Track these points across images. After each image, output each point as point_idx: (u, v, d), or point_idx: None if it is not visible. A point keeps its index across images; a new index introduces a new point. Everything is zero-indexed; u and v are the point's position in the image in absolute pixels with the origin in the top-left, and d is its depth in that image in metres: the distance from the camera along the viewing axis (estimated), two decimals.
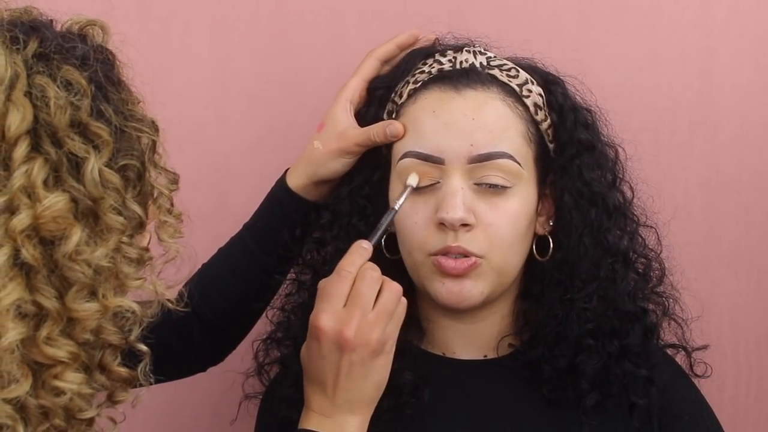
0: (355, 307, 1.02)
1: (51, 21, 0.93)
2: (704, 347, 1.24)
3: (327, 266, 1.20)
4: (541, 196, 1.17)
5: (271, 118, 1.50)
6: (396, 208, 1.12)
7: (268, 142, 1.49)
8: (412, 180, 1.12)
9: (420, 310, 1.20)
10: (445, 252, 1.11)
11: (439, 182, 1.12)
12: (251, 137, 1.50)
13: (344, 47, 1.47)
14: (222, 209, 1.47)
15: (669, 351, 1.23)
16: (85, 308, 0.85)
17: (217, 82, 1.49)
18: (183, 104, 1.48)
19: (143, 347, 0.94)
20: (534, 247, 1.17)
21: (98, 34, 0.94)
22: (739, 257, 1.53)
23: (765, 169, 1.51)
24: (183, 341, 1.23)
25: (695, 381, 1.22)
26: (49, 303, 0.83)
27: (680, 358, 1.24)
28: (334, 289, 1.03)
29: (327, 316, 1.01)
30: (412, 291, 1.17)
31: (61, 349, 0.84)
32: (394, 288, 1.05)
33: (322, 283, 1.06)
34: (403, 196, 1.12)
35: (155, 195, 0.93)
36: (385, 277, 1.05)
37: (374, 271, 1.04)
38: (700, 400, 1.20)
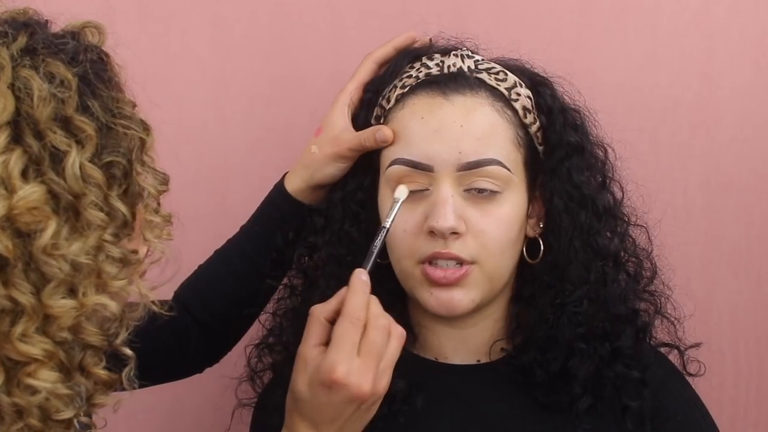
0: (371, 359, 0.99)
1: (47, 21, 0.92)
2: (697, 345, 1.23)
3: (319, 271, 1.20)
4: (531, 198, 1.16)
5: (271, 118, 1.50)
6: (387, 226, 1.09)
7: (268, 142, 1.49)
8: (401, 194, 1.11)
9: (412, 315, 1.20)
10: (435, 257, 1.10)
11: (428, 189, 1.11)
12: (251, 137, 1.50)
13: (344, 47, 1.47)
14: (222, 209, 1.47)
15: (662, 350, 1.22)
16: (61, 305, 0.83)
17: (217, 82, 1.49)
18: (183, 104, 1.48)
19: (128, 351, 0.92)
20: (524, 249, 1.17)
21: (93, 35, 0.93)
22: (739, 257, 1.53)
23: (765, 169, 1.51)
24: (181, 342, 1.23)
25: (692, 381, 1.22)
26: (25, 298, 0.82)
27: (675, 358, 1.23)
28: (346, 338, 0.99)
29: (344, 368, 0.97)
30: (403, 296, 1.17)
31: (36, 347, 0.83)
32: (400, 334, 1.02)
33: (317, 312, 1.03)
34: (393, 212, 1.10)
35: (145, 196, 0.91)
36: (390, 319, 1.02)
37: (384, 318, 1.01)
38: (693, 399, 1.19)
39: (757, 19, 1.49)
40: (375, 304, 1.02)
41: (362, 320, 1.00)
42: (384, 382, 1.00)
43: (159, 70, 1.46)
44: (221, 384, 1.32)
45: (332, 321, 1.02)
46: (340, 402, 0.99)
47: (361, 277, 1.03)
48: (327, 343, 1.01)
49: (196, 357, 1.28)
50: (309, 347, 1.01)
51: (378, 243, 1.08)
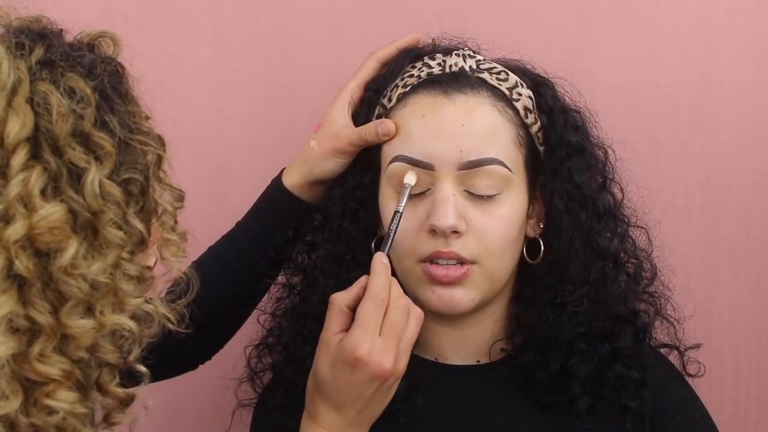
0: (393, 338, 1.02)
1: (61, 30, 0.90)
2: (697, 346, 1.23)
3: (317, 270, 1.20)
4: (531, 198, 1.17)
5: (271, 118, 1.50)
6: (400, 210, 1.11)
7: (268, 142, 1.49)
8: (410, 179, 1.11)
9: None
10: (436, 256, 1.11)
11: (429, 188, 1.12)
12: (251, 137, 1.50)
13: (344, 47, 1.47)
14: (222, 210, 1.47)
15: (662, 351, 1.23)
16: (80, 325, 0.82)
17: (217, 82, 1.49)
18: (183, 105, 1.48)
19: (142, 368, 0.91)
20: (524, 249, 1.17)
21: (108, 46, 0.92)
22: (739, 257, 1.53)
23: (765, 169, 1.52)
24: (176, 341, 1.22)
25: (692, 381, 1.22)
26: (43, 318, 0.81)
27: (675, 359, 1.23)
28: (371, 318, 1.02)
29: (366, 346, 1.01)
30: None
31: (54, 367, 0.82)
32: (419, 315, 1.06)
33: (339, 300, 1.05)
34: (405, 197, 1.11)
35: (159, 212, 0.90)
36: (409, 301, 1.06)
37: (404, 299, 1.05)
38: (693, 399, 1.19)
39: (757, 19, 1.49)
40: (395, 285, 1.05)
41: (386, 301, 1.03)
42: (403, 362, 1.03)
43: (159, 71, 1.46)
44: (221, 385, 1.32)
45: (353, 308, 1.04)
46: (361, 381, 1.01)
47: (382, 260, 1.06)
48: (348, 329, 1.03)
49: (189, 355, 1.27)
50: (331, 333, 1.04)
51: (395, 227, 1.10)
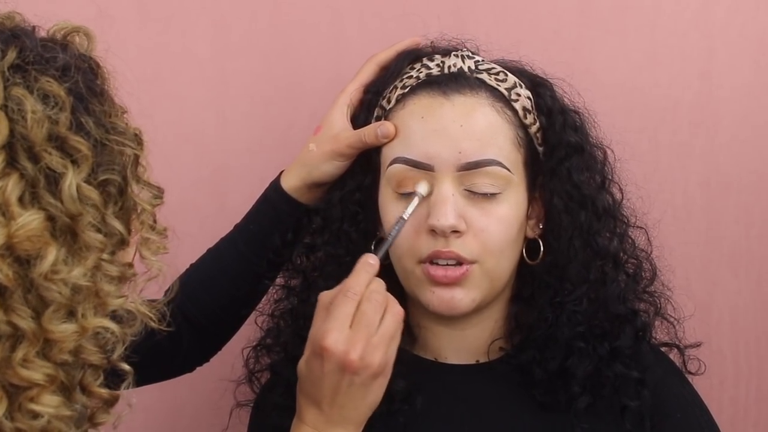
0: (362, 329, 1.01)
1: (34, 28, 0.89)
2: (697, 344, 1.23)
3: (317, 272, 1.20)
4: (531, 199, 1.17)
5: (271, 118, 1.50)
6: (405, 217, 1.10)
7: (268, 142, 1.49)
8: (422, 188, 1.11)
9: (412, 316, 1.19)
10: (436, 256, 1.11)
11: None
12: (251, 137, 1.50)
13: (344, 48, 1.47)
14: (222, 209, 1.47)
15: (663, 349, 1.23)
16: (62, 330, 0.82)
17: (217, 82, 1.49)
18: (183, 105, 1.48)
19: (126, 367, 0.91)
20: (524, 250, 1.17)
21: (83, 41, 0.91)
22: (739, 257, 1.53)
23: (765, 169, 1.51)
24: (174, 343, 1.22)
25: (691, 379, 1.22)
26: (25, 323, 0.80)
27: (675, 357, 1.24)
28: (340, 309, 1.02)
29: (334, 336, 1.00)
30: (403, 297, 1.17)
31: (38, 372, 0.81)
32: (397, 311, 1.04)
33: (325, 298, 1.05)
34: (412, 206, 1.11)
35: (139, 210, 0.90)
36: (389, 296, 1.05)
37: (380, 294, 1.04)
38: (692, 396, 1.19)
39: (757, 19, 1.49)
40: (377, 282, 1.05)
41: (358, 295, 1.02)
42: (377, 357, 1.01)
43: (159, 71, 1.46)
44: (219, 386, 1.32)
45: None
46: (331, 372, 1.01)
47: (367, 260, 1.06)
48: None
49: (187, 357, 1.27)
50: (315, 330, 1.03)
51: (395, 233, 1.10)
